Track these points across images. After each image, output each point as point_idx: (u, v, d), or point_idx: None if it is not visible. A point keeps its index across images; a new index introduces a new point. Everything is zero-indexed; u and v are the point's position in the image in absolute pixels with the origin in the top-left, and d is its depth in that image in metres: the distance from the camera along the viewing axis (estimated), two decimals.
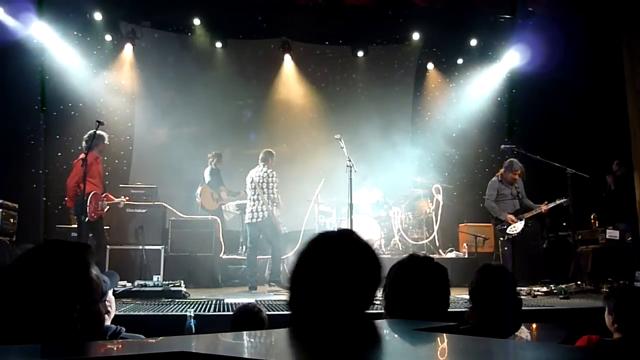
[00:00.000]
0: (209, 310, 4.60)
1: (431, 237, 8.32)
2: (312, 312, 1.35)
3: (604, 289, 6.06)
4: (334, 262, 1.37)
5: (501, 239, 7.26)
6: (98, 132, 6.52)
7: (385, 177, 8.97)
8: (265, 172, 7.02)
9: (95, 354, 1.07)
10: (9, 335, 1.29)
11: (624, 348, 2.55)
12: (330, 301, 1.33)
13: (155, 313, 4.47)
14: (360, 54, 10.17)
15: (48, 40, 8.59)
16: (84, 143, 6.56)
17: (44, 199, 8.48)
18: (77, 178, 6.28)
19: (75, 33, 8.84)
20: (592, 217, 7.76)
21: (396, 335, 1.23)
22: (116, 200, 6.86)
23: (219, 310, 4.60)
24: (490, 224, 7.67)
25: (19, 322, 1.30)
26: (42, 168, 8.61)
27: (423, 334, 1.17)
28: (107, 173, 7.77)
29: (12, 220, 6.77)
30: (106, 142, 6.81)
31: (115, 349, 1.16)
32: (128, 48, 9.32)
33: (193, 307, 4.60)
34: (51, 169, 8.56)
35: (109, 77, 9.29)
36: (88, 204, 6.36)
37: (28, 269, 1.35)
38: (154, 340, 1.16)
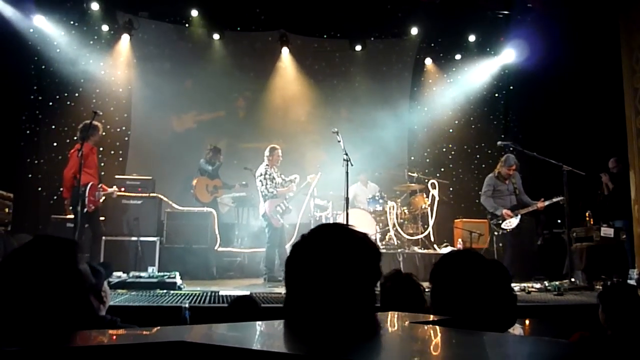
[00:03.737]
0: (203, 302, 4.60)
1: (426, 232, 8.33)
2: (309, 305, 1.28)
3: (598, 286, 6.09)
4: (331, 255, 1.29)
5: (495, 234, 7.29)
6: (93, 122, 6.46)
7: (381, 172, 8.98)
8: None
9: (92, 343, 1.07)
10: (6, 327, 1.30)
11: (614, 345, 2.57)
12: (327, 296, 1.27)
13: (150, 304, 4.47)
14: (358, 48, 10.13)
15: (44, 30, 8.54)
16: (78, 133, 6.53)
17: (40, 189, 8.47)
18: (74, 169, 6.25)
19: (72, 23, 8.78)
20: (587, 214, 7.78)
21: (391, 328, 1.24)
22: (109, 190, 6.84)
23: (214, 302, 4.61)
24: (486, 220, 7.71)
25: (14, 315, 1.32)
26: (37, 158, 8.58)
27: (418, 326, 1.17)
28: (102, 164, 7.73)
29: (7, 210, 6.73)
30: (101, 132, 6.76)
31: (111, 338, 1.16)
32: (125, 38, 9.25)
33: (188, 299, 4.62)
34: (47, 159, 8.53)
35: (105, 67, 9.21)
36: (87, 194, 6.34)
37: (20, 264, 1.38)
38: (150, 331, 1.16)
